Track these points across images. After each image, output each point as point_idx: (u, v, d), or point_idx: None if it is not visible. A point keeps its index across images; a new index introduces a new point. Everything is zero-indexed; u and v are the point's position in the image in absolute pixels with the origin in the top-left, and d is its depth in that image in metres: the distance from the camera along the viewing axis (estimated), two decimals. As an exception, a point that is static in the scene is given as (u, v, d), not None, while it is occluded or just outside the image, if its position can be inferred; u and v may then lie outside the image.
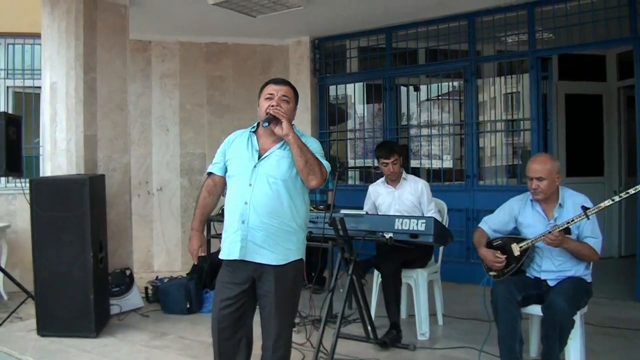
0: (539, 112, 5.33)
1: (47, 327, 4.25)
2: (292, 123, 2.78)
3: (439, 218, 4.16)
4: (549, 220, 3.31)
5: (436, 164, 6.16)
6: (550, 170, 3.25)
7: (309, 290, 4.52)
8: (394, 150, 4.32)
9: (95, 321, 4.21)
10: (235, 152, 2.79)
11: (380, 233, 3.59)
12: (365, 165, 6.68)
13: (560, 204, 3.30)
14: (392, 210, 4.31)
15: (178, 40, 6.74)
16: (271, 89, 2.75)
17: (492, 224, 3.55)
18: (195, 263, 2.86)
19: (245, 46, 6.91)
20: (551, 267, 3.30)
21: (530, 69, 5.37)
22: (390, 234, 3.55)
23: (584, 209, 3.06)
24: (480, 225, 3.61)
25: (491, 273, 3.41)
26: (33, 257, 4.27)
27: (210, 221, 5.50)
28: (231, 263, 2.70)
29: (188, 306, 4.83)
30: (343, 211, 3.82)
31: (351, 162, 6.75)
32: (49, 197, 4.20)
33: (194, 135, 6.83)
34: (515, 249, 3.33)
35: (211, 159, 7.17)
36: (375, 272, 4.29)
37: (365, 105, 6.76)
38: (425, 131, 6.28)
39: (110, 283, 4.82)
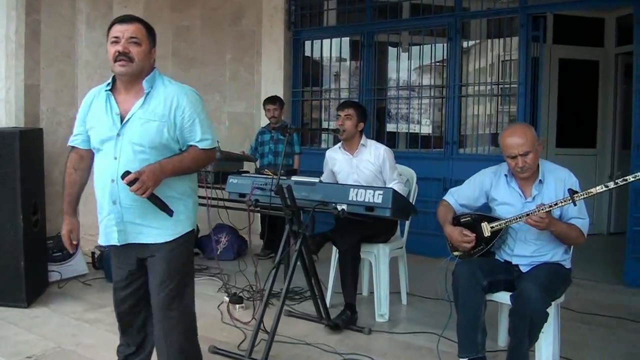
0: (527, 76, 4.85)
1: (-24, 293, 3.88)
2: (154, 67, 2.33)
3: (403, 189, 3.75)
4: (527, 198, 2.88)
5: (414, 129, 5.70)
6: (533, 141, 2.79)
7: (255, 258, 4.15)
8: (351, 105, 3.89)
9: (27, 290, 3.85)
10: (95, 119, 2.31)
11: (333, 204, 3.16)
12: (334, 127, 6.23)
13: (540, 180, 2.86)
14: (350, 180, 3.86)
15: (142, -15, 6.17)
16: (116, 30, 2.23)
17: (459, 197, 3.12)
18: (70, 252, 2.45)
19: (215, -6, 6.35)
20: (525, 252, 2.88)
21: (520, 27, 4.86)
22: (344, 206, 3.11)
23: (572, 192, 2.62)
24: (445, 197, 3.18)
25: (456, 253, 2.99)
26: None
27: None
28: (113, 248, 2.34)
29: (133, 275, 4.42)
30: (294, 178, 3.39)
31: (325, 124, 6.29)
32: (-22, 151, 3.77)
33: (158, 89, 6.31)
34: (486, 229, 2.91)
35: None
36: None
37: (342, 63, 6.26)
38: (404, 93, 5.80)
39: (52, 248, 4.43)
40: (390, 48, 5.97)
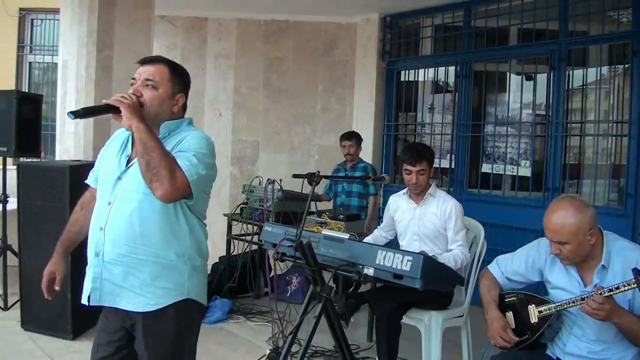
0: (643, 113, 3.99)
1: (30, 322, 4.01)
2: (187, 118, 2.11)
3: (465, 254, 3.22)
4: (586, 286, 2.23)
5: (512, 171, 4.99)
6: (575, 231, 2.13)
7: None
8: (424, 157, 3.35)
9: (73, 322, 3.86)
10: (106, 158, 2.11)
11: (360, 266, 2.73)
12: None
13: (603, 265, 2.20)
14: (409, 232, 3.42)
15: (236, 17, 6.19)
16: (137, 71, 2.02)
17: (507, 270, 2.52)
18: (46, 297, 2.20)
19: (308, 24, 6.17)
20: (580, 351, 2.23)
21: (632, 55, 4.03)
22: (371, 270, 2.67)
23: (637, 273, 1.97)
24: (490, 267, 2.60)
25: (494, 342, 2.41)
26: (19, 246, 4.01)
27: (233, 219, 4.92)
28: (103, 308, 2.07)
29: (186, 315, 4.29)
30: (325, 232, 3.01)
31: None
32: (34, 184, 3.92)
33: (248, 121, 6.28)
34: (533, 313, 2.31)
35: (265, 148, 6.48)
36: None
37: (436, 95, 5.73)
38: (501, 129, 5.12)
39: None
40: (487, 79, 5.34)
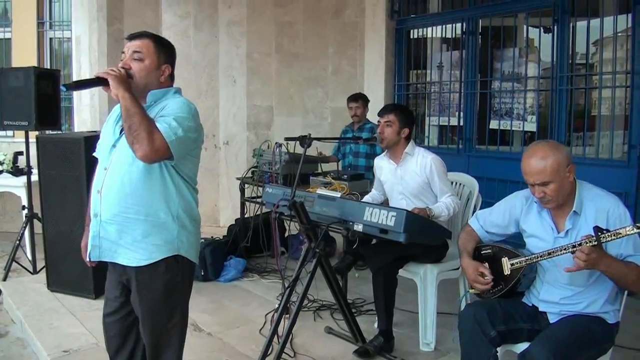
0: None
1: (55, 283, 4.32)
2: (175, 87, 2.27)
3: (457, 202, 3.33)
4: (559, 232, 2.33)
5: (518, 126, 5.00)
6: (556, 168, 2.21)
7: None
8: (392, 110, 3.48)
9: (95, 282, 4.13)
10: (104, 129, 2.29)
11: (350, 223, 2.88)
12: (441, 124, 5.74)
13: (575, 211, 2.29)
14: (395, 191, 3.52)
15: (246, -17, 6.26)
16: (125, 47, 2.19)
17: (486, 223, 2.63)
18: (90, 265, 2.42)
19: (317, -14, 6.20)
20: (552, 297, 2.34)
21: (634, 4, 3.95)
22: (360, 226, 2.82)
23: (597, 230, 2.05)
24: (470, 222, 2.72)
25: (473, 290, 2.54)
26: (41, 214, 4.29)
27: (245, 182, 5.10)
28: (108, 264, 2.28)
29: (202, 274, 4.54)
30: (319, 191, 3.16)
31: (428, 120, 5.88)
32: (53, 155, 4.17)
33: (262, 86, 6.40)
34: (506, 265, 2.42)
35: (279, 112, 6.61)
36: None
37: (444, 53, 5.72)
38: (507, 85, 5.11)
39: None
40: (493, 34, 5.29)
